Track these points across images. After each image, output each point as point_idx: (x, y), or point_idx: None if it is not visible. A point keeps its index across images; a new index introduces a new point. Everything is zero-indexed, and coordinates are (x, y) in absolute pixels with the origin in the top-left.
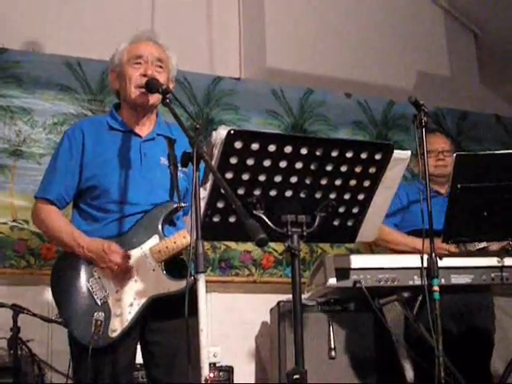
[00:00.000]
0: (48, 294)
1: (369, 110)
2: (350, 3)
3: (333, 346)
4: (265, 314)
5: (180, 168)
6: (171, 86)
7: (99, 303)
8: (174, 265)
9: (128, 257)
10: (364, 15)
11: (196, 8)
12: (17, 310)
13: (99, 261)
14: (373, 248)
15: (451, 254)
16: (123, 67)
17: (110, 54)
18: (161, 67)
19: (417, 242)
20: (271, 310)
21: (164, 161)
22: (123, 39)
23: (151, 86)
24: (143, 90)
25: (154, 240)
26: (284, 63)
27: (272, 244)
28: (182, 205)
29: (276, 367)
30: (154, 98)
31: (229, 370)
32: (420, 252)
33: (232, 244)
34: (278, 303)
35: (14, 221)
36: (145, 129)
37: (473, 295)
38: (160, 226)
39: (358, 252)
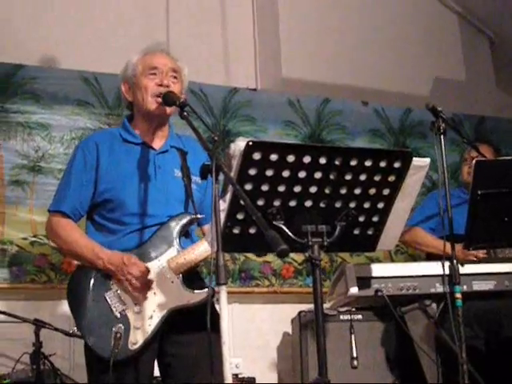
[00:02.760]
0: (68, 309)
1: (386, 118)
2: (364, 12)
3: (355, 355)
4: (286, 325)
5: (193, 180)
6: (183, 97)
7: (118, 316)
8: (192, 277)
9: (147, 270)
10: (379, 23)
11: (211, 20)
12: (39, 324)
13: (118, 273)
14: (393, 256)
15: (478, 261)
16: (138, 78)
17: None
18: (175, 78)
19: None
20: (292, 320)
21: (178, 173)
22: (139, 53)
23: (168, 99)
24: (160, 99)
25: (171, 252)
26: (300, 73)
27: (292, 254)
28: (198, 216)
29: (298, 377)
30: (171, 109)
31: (251, 381)
32: (449, 256)
33: (251, 255)
34: (299, 313)
35: (34, 236)
36: (158, 141)
37: (500, 301)
38: (176, 238)
39: (377, 260)
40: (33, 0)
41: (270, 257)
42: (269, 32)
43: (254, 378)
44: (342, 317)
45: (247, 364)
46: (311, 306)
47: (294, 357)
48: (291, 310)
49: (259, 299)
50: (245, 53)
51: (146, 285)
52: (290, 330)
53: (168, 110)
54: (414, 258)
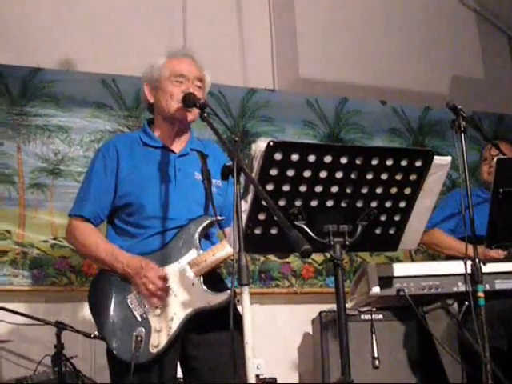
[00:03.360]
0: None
1: (404, 117)
2: (381, 11)
3: (376, 355)
4: (307, 325)
5: (214, 182)
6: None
7: (139, 319)
8: (212, 278)
9: (164, 276)
10: (396, 22)
11: (227, 21)
12: (60, 327)
13: (136, 277)
14: (413, 255)
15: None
16: (163, 83)
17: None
18: (199, 87)
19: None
20: (313, 320)
21: (198, 176)
22: (156, 54)
23: (188, 100)
24: (181, 104)
25: (191, 254)
26: (317, 73)
27: (312, 254)
28: (218, 218)
29: (319, 378)
30: (193, 115)
31: (272, 382)
32: (469, 257)
33: (272, 255)
34: (320, 313)
35: (54, 239)
36: (178, 144)
37: None
38: (197, 240)
39: (398, 260)
40: (50, 4)
41: (289, 257)
42: (286, 32)
43: (275, 379)
44: (362, 317)
45: (268, 365)
46: (332, 306)
47: (315, 357)
48: (312, 310)
49: (279, 300)
50: (262, 53)
51: (162, 290)
52: (310, 331)
53: (189, 116)
54: (434, 258)
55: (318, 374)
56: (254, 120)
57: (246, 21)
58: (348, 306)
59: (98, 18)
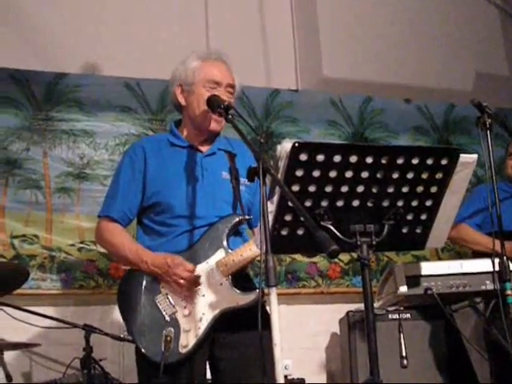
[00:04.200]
0: (117, 313)
1: (429, 115)
2: (404, 9)
3: (404, 354)
4: (334, 325)
5: (242, 181)
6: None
7: (168, 319)
8: (240, 278)
9: (193, 269)
10: (419, 20)
11: (249, 22)
12: (89, 329)
13: (164, 275)
14: (439, 254)
15: None
16: (196, 86)
17: (168, 73)
18: (231, 93)
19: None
20: (340, 320)
21: (226, 175)
22: (179, 57)
23: (213, 102)
24: (211, 114)
25: (219, 254)
26: (341, 72)
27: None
28: (246, 217)
29: (347, 378)
30: (217, 123)
31: (300, 382)
32: (496, 253)
33: (298, 256)
34: (347, 313)
35: (81, 242)
36: (205, 144)
37: None
38: (225, 240)
39: (424, 259)
40: (74, 9)
41: (316, 257)
42: (308, 32)
43: (303, 379)
44: (390, 316)
45: (296, 365)
46: (359, 306)
47: (342, 357)
48: (339, 310)
49: (306, 300)
50: (285, 54)
51: (194, 284)
52: (338, 331)
53: (216, 126)
54: (460, 256)
55: (346, 374)
56: (278, 121)
57: (268, 21)
58: (375, 305)
59: (121, 23)
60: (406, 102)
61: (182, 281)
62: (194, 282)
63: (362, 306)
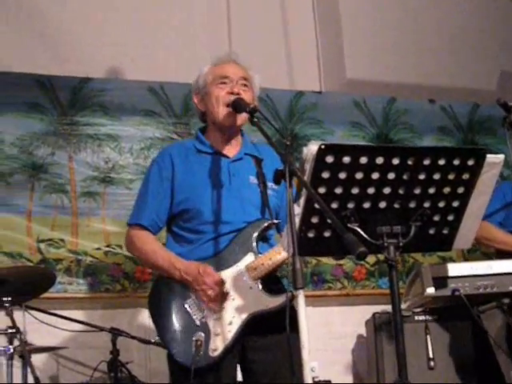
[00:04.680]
0: (144, 316)
1: (453, 115)
2: (428, 9)
3: (431, 356)
4: (360, 327)
5: (269, 185)
6: (253, 103)
7: (198, 323)
8: (270, 281)
9: (222, 282)
10: (443, 19)
11: (272, 25)
12: (115, 333)
13: (194, 283)
14: (466, 255)
15: None
16: (208, 88)
17: (192, 76)
18: (246, 86)
19: None
20: (366, 322)
21: (253, 179)
22: (203, 60)
23: (238, 105)
24: (231, 109)
25: (249, 258)
26: (364, 74)
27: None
28: (275, 221)
29: (374, 380)
30: (242, 119)
31: None
32: None
33: (323, 258)
34: (374, 315)
35: (107, 246)
36: (232, 149)
37: None
38: (254, 244)
39: (450, 260)
40: (98, 14)
41: (342, 259)
42: (331, 33)
43: (329, 381)
44: (416, 317)
45: (323, 367)
46: (385, 308)
47: (369, 359)
48: (365, 311)
49: (332, 302)
50: (308, 55)
51: (220, 296)
52: (364, 332)
53: (238, 121)
54: (488, 256)
55: (372, 376)
56: (302, 123)
57: (290, 24)
58: (402, 306)
59: (144, 27)
60: (430, 103)
61: (209, 291)
62: (221, 294)
63: (387, 307)
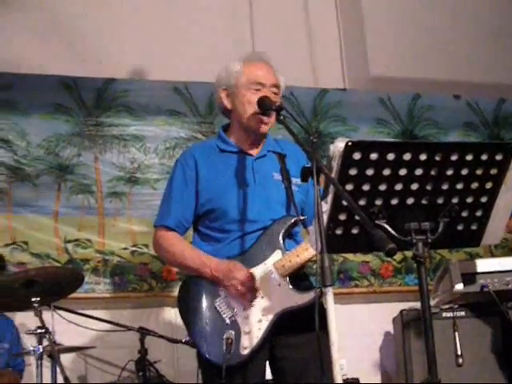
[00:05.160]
0: (171, 316)
1: (479, 111)
2: (451, 4)
3: (459, 352)
4: (387, 324)
5: (293, 181)
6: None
7: (228, 322)
8: (298, 277)
9: (252, 277)
10: (467, 13)
11: (295, 23)
12: (143, 332)
13: (225, 280)
14: (493, 250)
15: None
16: (240, 89)
17: (215, 75)
18: (276, 93)
19: None
20: (394, 319)
21: (277, 176)
22: (226, 59)
23: (264, 104)
24: (260, 116)
25: (276, 255)
26: (388, 70)
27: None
28: (301, 218)
29: (402, 377)
30: (268, 126)
31: (355, 382)
32: None
33: (350, 255)
34: (401, 312)
35: (134, 246)
36: (255, 147)
37: None
38: (281, 241)
39: (477, 256)
40: (121, 15)
41: (368, 256)
42: (354, 30)
43: (357, 379)
44: (444, 314)
45: (350, 365)
46: (412, 305)
47: (397, 356)
48: (392, 309)
49: (359, 299)
50: (331, 53)
51: (251, 291)
52: (391, 330)
53: (263, 128)
54: None
55: (400, 374)
56: (326, 120)
57: (313, 21)
58: (431, 303)
59: (167, 27)
60: (455, 98)
61: (239, 287)
62: (251, 289)
63: (415, 304)
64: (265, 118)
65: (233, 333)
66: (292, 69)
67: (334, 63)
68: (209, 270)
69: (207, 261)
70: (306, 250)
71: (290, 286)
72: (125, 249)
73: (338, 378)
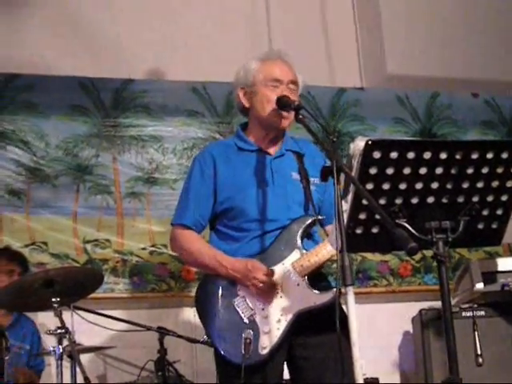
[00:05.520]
0: (190, 315)
1: (497, 109)
2: (468, 1)
3: (479, 352)
4: (406, 324)
5: (312, 181)
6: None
7: (247, 321)
8: (316, 277)
9: (272, 273)
10: (484, 12)
11: (311, 22)
12: (162, 332)
13: (243, 279)
14: None
15: None
16: (258, 87)
17: (233, 75)
18: (294, 90)
19: None
20: (413, 318)
21: (295, 175)
22: (244, 59)
23: (283, 102)
24: (278, 108)
25: (295, 255)
26: (406, 68)
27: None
28: (319, 217)
29: (422, 377)
30: (288, 121)
31: (374, 382)
32: None
33: (368, 254)
34: (420, 311)
35: (152, 246)
36: (273, 146)
37: None
38: (299, 241)
39: (497, 255)
40: (139, 16)
41: (387, 256)
42: (371, 29)
43: (377, 379)
44: (464, 313)
45: (370, 365)
46: (431, 304)
47: (416, 356)
48: (411, 308)
49: (378, 299)
50: (348, 52)
51: (272, 288)
52: (410, 329)
53: (284, 123)
54: None
55: (420, 373)
56: (344, 120)
57: (330, 20)
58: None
59: (185, 27)
60: (474, 97)
61: (260, 285)
62: (272, 286)
63: (434, 303)
64: (285, 113)
65: (251, 332)
66: (309, 68)
67: (352, 62)
68: (225, 270)
69: (223, 260)
70: (324, 250)
71: (309, 286)
72: (143, 249)
73: (360, 379)
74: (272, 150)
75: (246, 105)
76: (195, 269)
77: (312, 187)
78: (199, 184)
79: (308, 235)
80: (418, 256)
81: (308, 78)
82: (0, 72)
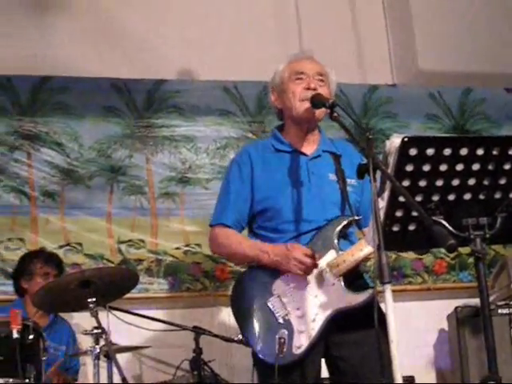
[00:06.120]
0: (224, 315)
1: None
2: None
3: None
4: (442, 321)
5: (348, 182)
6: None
7: (281, 321)
8: (352, 278)
9: (312, 253)
10: None
11: (341, 20)
12: (198, 331)
13: (284, 262)
14: None
15: None
16: (285, 84)
17: (265, 74)
18: (322, 81)
19: None
20: (448, 316)
21: (332, 177)
22: (274, 58)
23: (316, 101)
24: (308, 103)
25: (330, 255)
26: (437, 64)
27: (442, 249)
28: (356, 218)
29: (458, 375)
30: (320, 112)
31: (410, 380)
32: None
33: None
34: (456, 309)
35: (186, 245)
36: (310, 147)
37: None
38: (335, 241)
39: None
40: (170, 16)
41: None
42: (401, 25)
43: (412, 377)
44: (500, 311)
45: (405, 363)
46: (467, 301)
47: (452, 354)
48: (446, 306)
49: (412, 297)
50: (379, 49)
51: (312, 267)
52: (445, 327)
53: (317, 113)
54: None
55: (456, 371)
56: (377, 117)
57: (360, 17)
58: None
59: (216, 27)
60: (507, 92)
61: (300, 265)
62: (313, 265)
63: (469, 301)
64: (318, 111)
65: (286, 332)
66: (340, 66)
67: (383, 59)
68: (267, 256)
69: (264, 247)
70: (360, 250)
71: (344, 286)
72: (177, 248)
73: (399, 377)
74: (308, 151)
75: (279, 106)
76: (238, 265)
77: (349, 188)
78: (238, 185)
79: (344, 236)
80: (452, 253)
81: (339, 76)
82: (33, 74)
